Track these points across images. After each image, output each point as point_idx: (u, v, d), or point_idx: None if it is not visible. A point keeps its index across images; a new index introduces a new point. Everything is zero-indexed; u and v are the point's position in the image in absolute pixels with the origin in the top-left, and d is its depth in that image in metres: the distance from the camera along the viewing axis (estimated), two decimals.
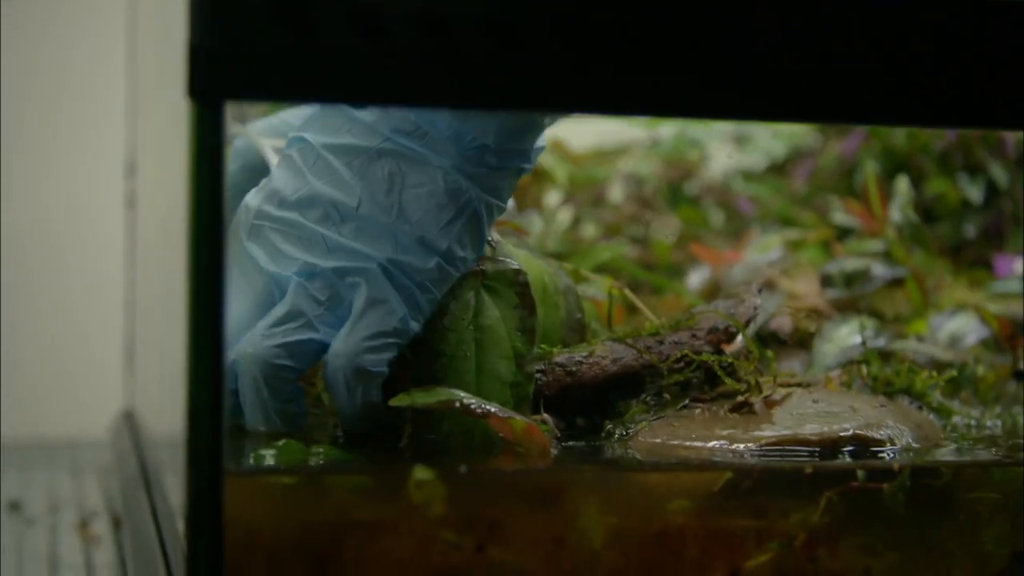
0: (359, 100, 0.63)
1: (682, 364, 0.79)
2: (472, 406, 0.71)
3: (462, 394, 0.72)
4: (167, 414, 0.79)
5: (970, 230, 1.15)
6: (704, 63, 0.64)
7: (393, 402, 0.72)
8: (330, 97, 0.64)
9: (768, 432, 0.76)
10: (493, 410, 0.71)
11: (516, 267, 0.77)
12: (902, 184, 1.06)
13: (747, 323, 0.82)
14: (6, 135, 1.41)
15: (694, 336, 0.81)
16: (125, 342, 1.26)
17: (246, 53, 0.60)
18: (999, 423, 0.86)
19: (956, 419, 0.85)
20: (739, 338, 0.81)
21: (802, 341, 1.00)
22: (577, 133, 1.18)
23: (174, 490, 0.73)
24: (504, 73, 0.62)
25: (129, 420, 1.15)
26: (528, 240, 0.85)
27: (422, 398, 0.72)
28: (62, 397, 1.40)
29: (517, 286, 0.77)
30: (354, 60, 0.60)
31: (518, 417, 0.71)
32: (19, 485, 1.11)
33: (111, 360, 1.30)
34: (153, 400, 0.96)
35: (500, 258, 0.77)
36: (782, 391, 0.80)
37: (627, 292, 0.85)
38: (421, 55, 0.61)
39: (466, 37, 0.61)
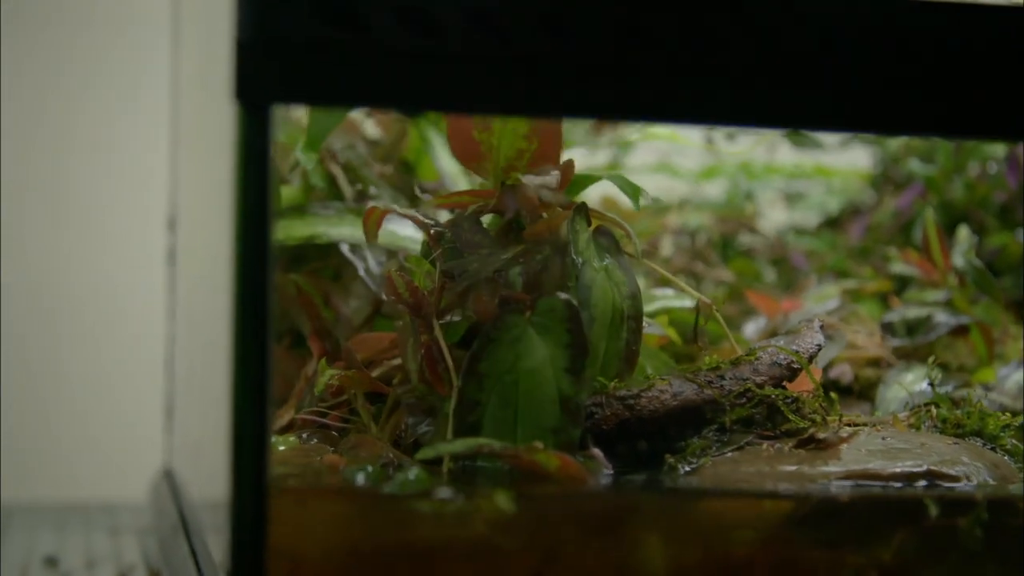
0: (415, 106, 0.62)
1: (744, 400, 0.77)
2: (498, 449, 0.68)
3: (487, 440, 0.69)
4: (208, 468, 0.76)
5: None
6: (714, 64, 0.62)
7: (419, 456, 0.69)
8: (383, 102, 0.62)
9: (837, 468, 0.73)
10: (517, 450, 0.68)
11: (568, 300, 0.73)
12: (963, 232, 1.04)
13: (810, 359, 0.79)
14: (49, 189, 1.41)
15: (755, 371, 0.78)
16: (165, 401, 1.24)
17: (294, 55, 0.58)
18: None
19: None
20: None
21: (863, 391, 0.97)
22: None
23: (215, 547, 0.70)
24: (565, 76, 0.60)
25: (168, 479, 1.13)
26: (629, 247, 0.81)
27: (447, 447, 0.69)
28: (100, 457, 1.38)
29: (569, 322, 0.73)
30: (410, 62, 0.59)
31: (551, 453, 0.68)
32: (56, 543, 1.09)
33: (150, 420, 1.28)
34: (193, 458, 0.94)
35: (557, 294, 0.73)
36: (849, 429, 0.77)
37: (716, 312, 0.82)
38: (481, 57, 0.59)
39: (525, 36, 0.59)
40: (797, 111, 0.64)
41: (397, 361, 0.80)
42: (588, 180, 0.83)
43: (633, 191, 0.79)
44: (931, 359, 0.89)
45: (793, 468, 0.73)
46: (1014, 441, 0.83)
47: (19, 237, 1.41)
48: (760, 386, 0.77)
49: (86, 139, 1.43)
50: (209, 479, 0.73)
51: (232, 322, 0.62)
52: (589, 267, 0.75)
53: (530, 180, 0.74)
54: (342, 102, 0.64)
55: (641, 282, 0.82)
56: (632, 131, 0.98)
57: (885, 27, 0.63)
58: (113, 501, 1.28)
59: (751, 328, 1.04)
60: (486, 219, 0.77)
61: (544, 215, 0.75)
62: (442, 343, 0.74)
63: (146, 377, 1.33)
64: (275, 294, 0.62)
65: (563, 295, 0.73)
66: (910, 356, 0.97)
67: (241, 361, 0.61)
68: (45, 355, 1.41)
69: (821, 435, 0.75)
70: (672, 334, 0.91)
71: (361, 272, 0.89)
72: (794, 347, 0.79)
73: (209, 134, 0.80)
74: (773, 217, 1.22)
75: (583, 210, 0.76)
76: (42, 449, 1.39)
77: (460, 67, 0.60)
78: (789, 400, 0.76)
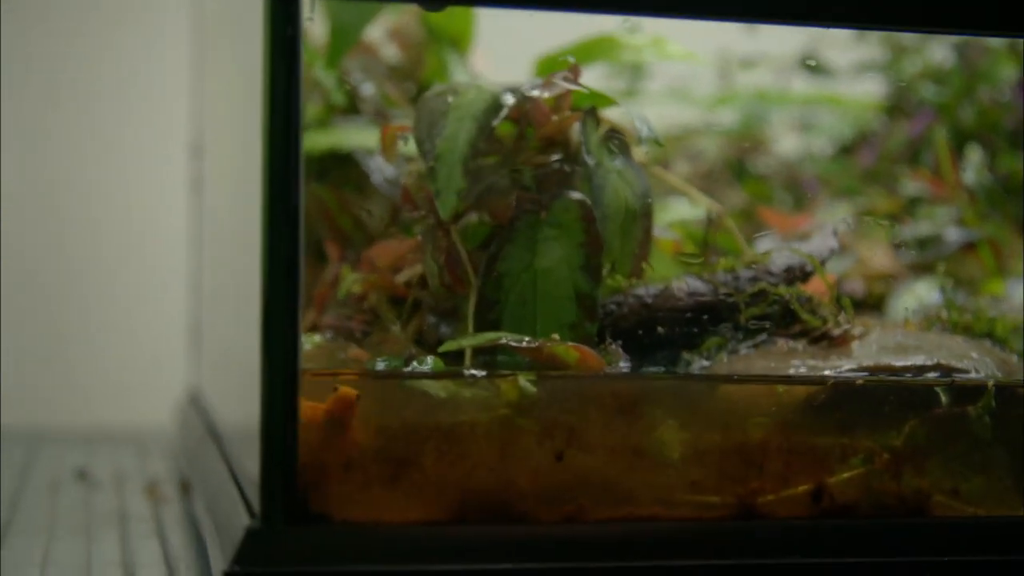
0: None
1: (758, 299, 0.78)
2: (516, 343, 0.70)
3: (507, 334, 0.70)
4: (238, 377, 0.78)
5: None
6: None
7: (441, 349, 0.71)
8: None
9: (850, 362, 0.75)
10: (537, 344, 0.69)
11: (582, 199, 0.75)
12: (974, 152, 1.05)
13: (823, 262, 0.81)
14: (68, 119, 1.43)
15: (769, 272, 0.79)
16: (189, 325, 1.26)
17: None
18: None
19: None
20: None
21: (876, 305, 0.99)
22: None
23: (247, 453, 0.71)
24: None
25: (194, 399, 1.15)
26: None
27: (468, 340, 0.71)
28: (124, 381, 1.40)
29: (583, 221, 0.74)
30: None
31: (569, 345, 0.69)
32: (84, 460, 1.11)
33: (173, 344, 1.30)
34: (221, 374, 0.96)
35: (569, 192, 0.75)
36: (861, 328, 0.78)
37: (727, 220, 0.84)
38: None
39: None
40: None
41: (418, 267, 0.82)
42: (604, 101, 0.84)
43: (645, 123, 0.80)
44: (941, 268, 0.90)
45: (807, 363, 0.75)
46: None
47: (42, 168, 1.42)
48: (775, 286, 0.78)
49: (107, 72, 1.44)
50: (239, 388, 0.76)
51: (263, 212, 0.63)
52: (601, 167, 0.77)
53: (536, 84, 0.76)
54: None
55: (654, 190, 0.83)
56: (647, 52, 0.99)
57: None
58: (139, 423, 1.30)
59: (764, 245, 1.05)
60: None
61: (555, 118, 0.77)
62: (459, 246, 0.76)
63: (169, 303, 1.35)
64: (304, 187, 0.63)
65: (577, 195, 0.75)
66: (921, 270, 0.99)
67: (271, 247, 0.63)
68: (71, 284, 1.43)
69: (835, 332, 0.77)
70: (687, 244, 0.92)
71: (379, 180, 0.91)
72: (807, 250, 0.81)
73: (239, 52, 0.81)
74: (787, 144, 1.23)
75: (593, 112, 0.78)
76: (66, 374, 1.41)
77: None
78: (803, 300, 0.78)
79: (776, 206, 1.14)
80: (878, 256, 1.00)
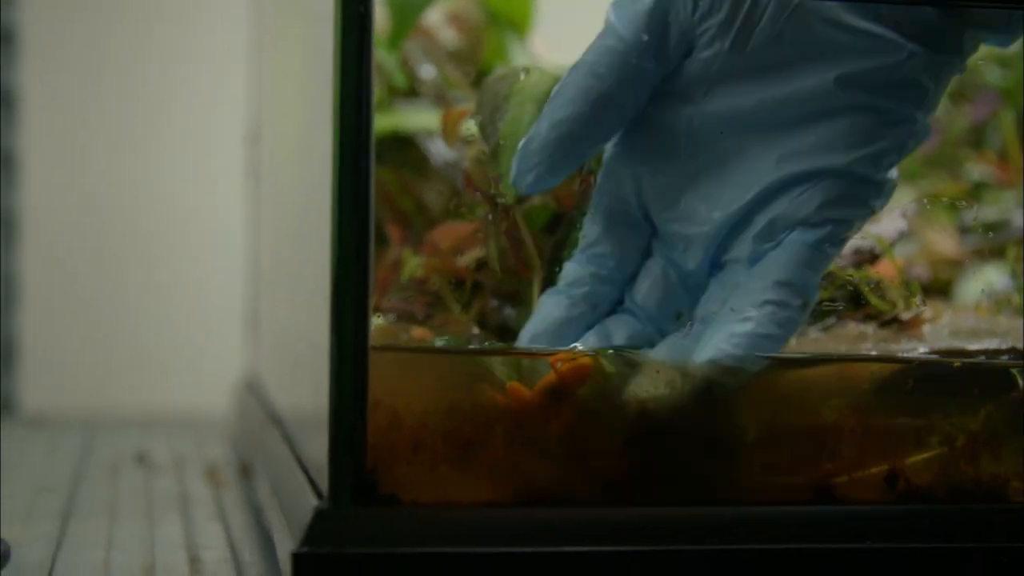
0: None
1: (827, 282, 0.77)
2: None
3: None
4: (300, 361, 0.78)
5: None
6: None
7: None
8: None
9: (922, 346, 0.73)
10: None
11: None
12: None
13: (892, 244, 0.80)
14: (126, 109, 1.43)
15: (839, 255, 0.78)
16: (246, 313, 1.26)
17: None
18: None
19: None
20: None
21: (941, 290, 0.97)
22: None
23: (310, 438, 0.71)
24: None
25: (252, 385, 1.15)
26: None
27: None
28: (182, 368, 1.41)
29: None
30: None
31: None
32: (144, 444, 1.11)
33: (230, 332, 1.31)
34: (279, 360, 0.96)
35: None
36: (932, 310, 0.77)
37: None
38: None
39: None
40: None
41: (481, 249, 0.81)
42: None
43: None
44: (1012, 253, 0.89)
45: (878, 346, 0.74)
46: None
47: (107, 159, 1.43)
48: (843, 269, 0.77)
49: (164, 60, 1.45)
50: (303, 371, 0.75)
51: (333, 194, 0.63)
52: None
53: None
54: None
55: None
56: None
57: None
58: (197, 408, 1.30)
59: None
60: None
61: None
62: (523, 229, 0.76)
63: (226, 289, 1.36)
64: (374, 166, 0.63)
65: None
66: (987, 255, 0.97)
67: (342, 229, 0.63)
68: (130, 271, 1.43)
69: (904, 315, 0.76)
70: None
71: (440, 163, 0.90)
72: (876, 232, 0.80)
73: (303, 34, 0.81)
74: None
75: None
76: (124, 360, 1.41)
77: None
78: (872, 283, 0.77)
79: None
80: (944, 240, 0.99)
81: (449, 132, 0.82)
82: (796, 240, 0.65)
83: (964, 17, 0.65)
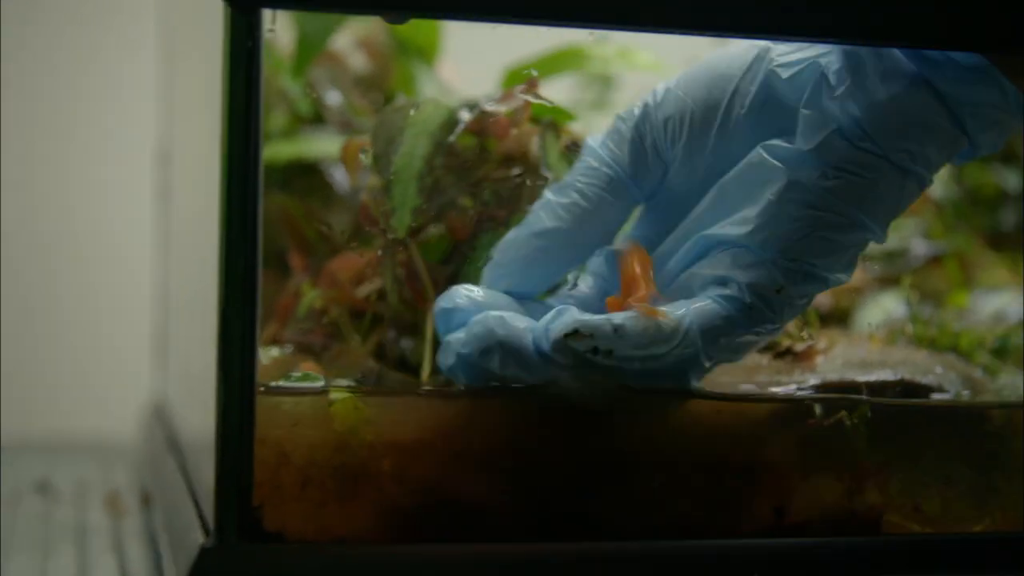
0: (399, 9, 0.62)
1: None
2: None
3: None
4: (198, 391, 0.78)
5: (1009, 219, 1.13)
6: None
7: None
8: (374, 7, 0.63)
9: (813, 378, 0.74)
10: None
11: None
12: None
13: None
14: (33, 125, 1.41)
15: None
16: (154, 336, 1.25)
17: None
18: None
19: (1003, 379, 0.83)
20: None
21: (843, 317, 0.99)
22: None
23: (206, 466, 0.71)
24: None
25: (159, 411, 1.14)
26: None
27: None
28: (87, 393, 1.39)
29: None
30: None
31: None
32: (46, 472, 1.10)
33: (138, 356, 1.29)
34: (184, 387, 0.95)
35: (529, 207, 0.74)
36: (826, 343, 0.78)
37: None
38: None
39: None
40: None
41: (379, 281, 0.81)
42: (563, 115, 0.83)
43: None
44: (907, 282, 0.90)
45: (770, 378, 0.75)
46: (989, 357, 0.84)
47: (4, 175, 1.41)
48: None
49: (73, 76, 1.43)
50: (198, 401, 0.75)
51: (221, 225, 0.63)
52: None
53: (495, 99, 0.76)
54: (333, 6, 0.65)
55: None
56: (615, 62, 0.98)
57: None
58: (102, 435, 1.29)
59: None
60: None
61: (514, 132, 0.76)
62: (419, 261, 0.76)
63: (135, 312, 1.34)
64: (263, 200, 0.63)
65: None
66: (887, 283, 0.99)
67: (229, 261, 0.62)
68: (33, 293, 1.41)
69: (799, 347, 0.76)
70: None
71: (344, 191, 0.90)
72: None
73: (202, 60, 0.81)
74: None
75: (553, 125, 0.78)
76: (30, 384, 1.40)
77: None
78: None
79: None
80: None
81: (348, 162, 0.82)
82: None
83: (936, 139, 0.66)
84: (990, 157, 1.15)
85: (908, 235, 1.03)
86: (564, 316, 0.63)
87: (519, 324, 0.64)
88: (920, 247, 1.01)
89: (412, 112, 0.75)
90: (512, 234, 0.70)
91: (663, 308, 0.63)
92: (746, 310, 0.64)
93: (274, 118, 0.97)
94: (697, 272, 0.67)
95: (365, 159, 0.78)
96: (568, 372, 0.64)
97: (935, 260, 1.01)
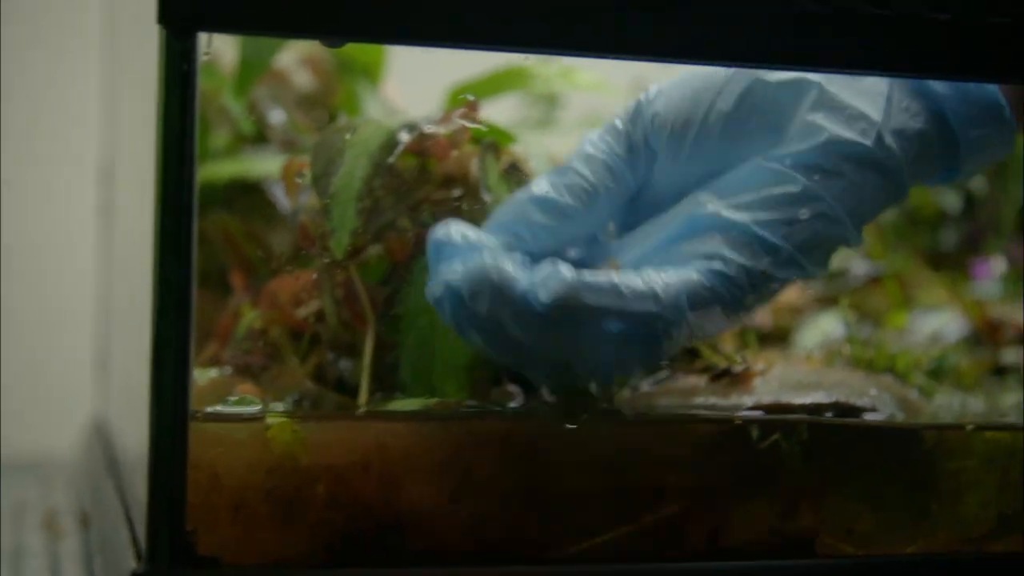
0: (339, 35, 0.62)
1: None
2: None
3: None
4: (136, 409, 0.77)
5: (948, 239, 1.14)
6: None
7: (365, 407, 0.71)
8: (314, 31, 0.63)
9: (749, 399, 0.75)
10: None
11: None
12: None
13: None
14: None
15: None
16: (96, 353, 1.24)
17: None
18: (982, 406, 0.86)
19: (939, 400, 0.84)
20: None
21: (783, 337, 0.99)
22: (557, 145, 1.18)
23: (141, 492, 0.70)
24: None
25: (100, 429, 1.13)
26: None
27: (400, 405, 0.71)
28: (28, 410, 1.38)
29: None
30: None
31: None
32: None
33: (80, 373, 1.28)
34: (125, 405, 0.94)
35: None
36: (763, 364, 0.79)
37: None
38: None
39: None
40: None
41: (319, 301, 0.81)
42: (503, 137, 0.83)
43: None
44: (845, 302, 0.91)
45: (707, 400, 0.75)
46: (925, 378, 0.85)
47: None
48: None
49: (14, 90, 1.42)
50: (134, 422, 0.74)
51: (155, 248, 0.63)
52: (500, 202, 0.76)
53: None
54: (270, 30, 0.65)
55: None
56: (558, 81, 0.99)
57: None
58: (42, 453, 1.28)
59: None
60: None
61: (454, 153, 0.77)
62: (358, 282, 0.76)
63: (79, 329, 1.33)
64: (197, 222, 0.62)
65: None
66: (828, 303, 1.00)
67: (161, 286, 0.62)
68: None
69: (736, 369, 0.77)
70: None
71: (286, 210, 0.90)
72: None
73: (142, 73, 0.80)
74: None
75: (493, 147, 0.78)
76: None
77: None
78: None
79: None
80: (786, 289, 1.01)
81: (289, 182, 0.81)
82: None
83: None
84: None
85: (848, 255, 1.04)
86: (560, 268, 0.64)
87: (513, 272, 0.65)
88: (860, 267, 1.02)
89: (351, 133, 0.75)
90: (511, 197, 0.71)
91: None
92: (729, 286, 0.66)
93: (217, 137, 0.97)
94: (684, 248, 0.68)
95: (302, 181, 0.78)
96: (556, 329, 0.64)
97: (875, 280, 1.02)
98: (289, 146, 0.96)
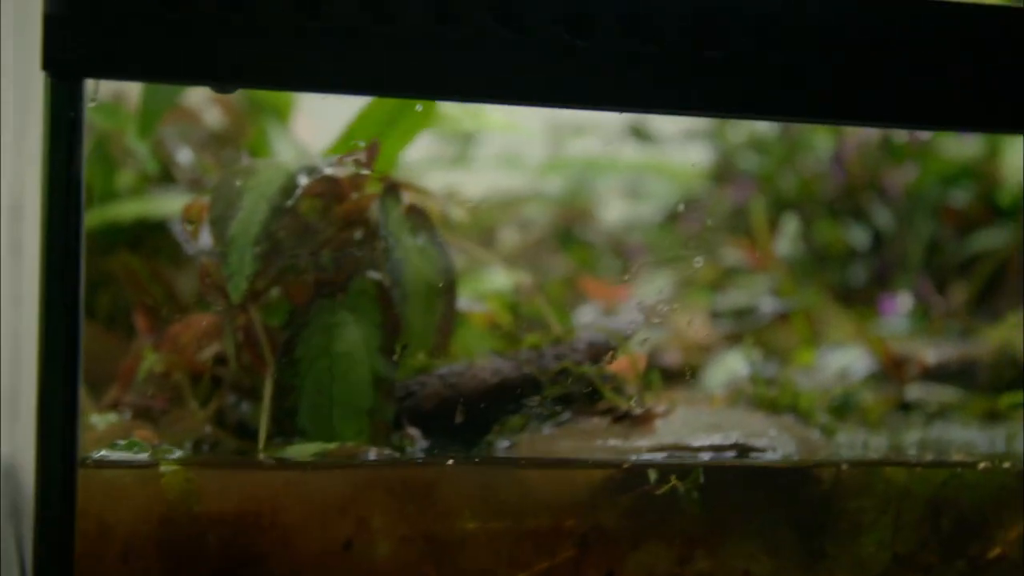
0: (222, 81, 0.62)
1: (563, 377, 0.78)
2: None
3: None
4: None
5: (857, 274, 1.16)
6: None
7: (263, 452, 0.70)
8: (196, 78, 0.62)
9: (650, 442, 0.75)
10: None
11: (378, 280, 0.74)
12: (791, 222, 1.07)
13: (628, 338, 0.82)
14: None
15: (574, 350, 0.80)
16: (6, 394, 1.22)
17: (105, 26, 0.59)
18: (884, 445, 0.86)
19: (841, 438, 0.85)
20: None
21: (693, 374, 1.00)
22: (471, 182, 1.18)
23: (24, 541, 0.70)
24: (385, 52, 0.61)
25: (8, 474, 1.11)
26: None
27: (297, 451, 0.70)
28: None
29: (380, 302, 0.74)
30: (222, 37, 0.60)
31: None
32: None
33: None
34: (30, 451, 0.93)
35: (368, 274, 0.74)
36: (666, 405, 0.79)
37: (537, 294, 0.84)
38: (299, 30, 0.60)
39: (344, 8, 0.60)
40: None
41: (219, 345, 0.81)
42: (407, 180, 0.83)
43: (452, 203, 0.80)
44: (750, 341, 0.92)
45: (608, 443, 0.75)
46: (827, 416, 0.86)
47: None
48: (579, 364, 0.79)
49: None
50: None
51: (40, 292, 0.62)
52: (401, 245, 0.76)
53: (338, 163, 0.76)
54: (157, 77, 0.64)
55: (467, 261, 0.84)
56: (468, 121, 0.99)
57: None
58: None
59: (586, 313, 1.06)
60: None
61: (354, 196, 0.76)
62: (258, 326, 0.75)
63: None
64: (84, 264, 0.61)
65: (374, 274, 0.74)
66: (736, 341, 1.00)
67: (47, 331, 0.61)
68: None
69: (637, 411, 0.77)
70: (502, 315, 0.93)
71: (191, 251, 0.89)
72: (613, 327, 0.82)
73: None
74: (614, 210, 1.25)
75: (393, 189, 0.78)
76: None
77: (269, 40, 0.60)
78: (606, 378, 0.78)
79: (602, 274, 1.16)
80: (694, 326, 1.01)
81: (190, 225, 0.81)
82: None
83: None
84: (841, 213, 1.18)
85: (758, 292, 1.05)
86: None
87: None
88: (769, 304, 1.03)
89: (249, 177, 0.75)
90: None
91: None
92: None
93: (123, 175, 0.96)
94: None
95: (191, 229, 0.77)
96: None
97: (784, 317, 1.03)
98: (196, 185, 0.96)
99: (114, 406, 0.81)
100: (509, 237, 1.14)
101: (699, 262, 0.88)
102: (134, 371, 0.84)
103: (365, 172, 0.74)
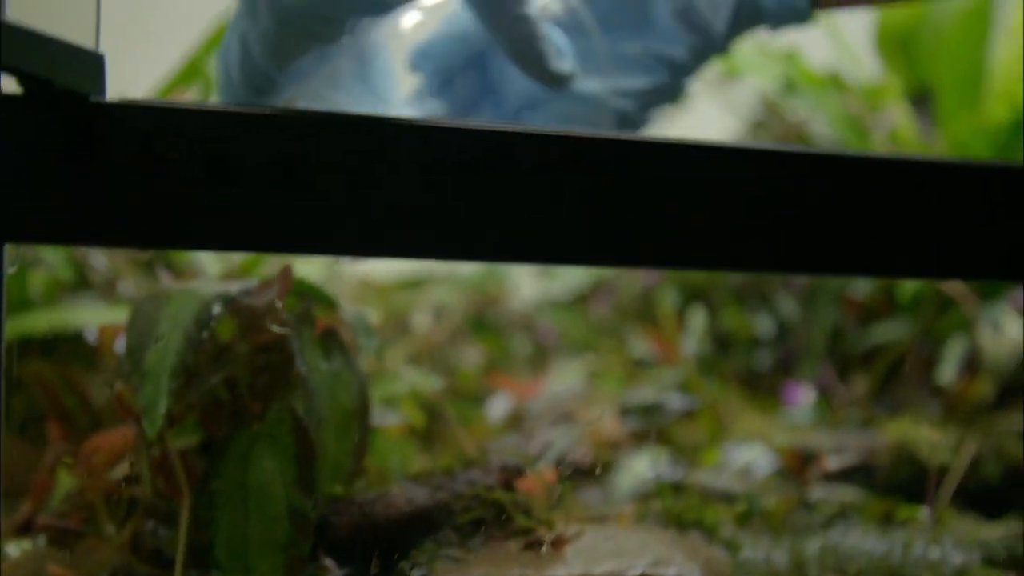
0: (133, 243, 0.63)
1: (475, 502, 0.80)
2: None
3: None
4: None
5: (762, 361, 1.18)
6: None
7: None
8: (108, 240, 0.63)
9: (559, 571, 0.76)
10: None
11: (293, 409, 0.75)
12: (697, 316, 1.10)
13: (538, 459, 0.84)
14: None
15: (486, 473, 0.81)
16: None
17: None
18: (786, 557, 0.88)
19: (745, 553, 0.87)
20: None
21: (603, 472, 1.02)
22: (382, 266, 1.19)
23: None
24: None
25: None
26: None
27: None
28: None
29: (296, 432, 0.74)
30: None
31: None
32: None
33: None
34: None
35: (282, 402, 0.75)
36: (575, 528, 0.81)
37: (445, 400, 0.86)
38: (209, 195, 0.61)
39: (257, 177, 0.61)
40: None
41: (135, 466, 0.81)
42: (327, 301, 0.84)
43: (365, 331, 0.81)
44: (656, 447, 0.94)
45: (519, 572, 0.76)
46: (733, 529, 0.88)
47: None
48: (491, 488, 0.80)
49: None
50: None
51: None
52: (316, 372, 0.77)
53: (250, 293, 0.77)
54: (82, 241, 0.65)
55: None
56: None
57: None
58: None
59: (499, 406, 1.07)
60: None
61: (269, 324, 0.77)
62: (173, 456, 0.76)
63: None
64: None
65: (289, 405, 0.75)
66: (644, 438, 1.03)
67: None
68: None
69: (546, 537, 0.79)
70: (415, 417, 0.94)
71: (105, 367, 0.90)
72: (523, 448, 0.84)
73: None
74: (525, 291, 1.26)
75: (308, 315, 0.78)
76: None
77: (183, 204, 0.61)
78: (518, 502, 0.80)
79: (512, 359, 1.17)
80: (605, 424, 1.03)
81: (105, 348, 0.81)
82: None
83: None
84: (748, 299, 1.20)
85: (665, 386, 1.07)
86: None
87: None
88: (675, 401, 1.05)
89: (165, 304, 0.75)
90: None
91: None
92: None
93: (35, 281, 0.96)
94: None
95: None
96: None
97: (690, 414, 1.06)
98: (110, 291, 0.96)
99: (27, 526, 0.81)
100: (422, 322, 1.16)
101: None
102: (47, 486, 0.84)
103: (277, 305, 0.75)
